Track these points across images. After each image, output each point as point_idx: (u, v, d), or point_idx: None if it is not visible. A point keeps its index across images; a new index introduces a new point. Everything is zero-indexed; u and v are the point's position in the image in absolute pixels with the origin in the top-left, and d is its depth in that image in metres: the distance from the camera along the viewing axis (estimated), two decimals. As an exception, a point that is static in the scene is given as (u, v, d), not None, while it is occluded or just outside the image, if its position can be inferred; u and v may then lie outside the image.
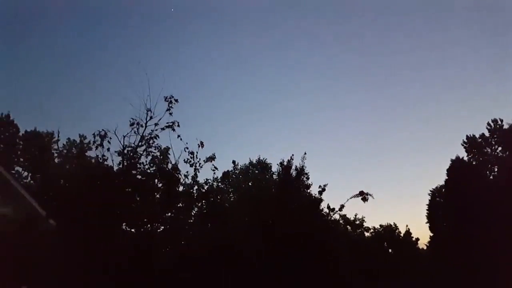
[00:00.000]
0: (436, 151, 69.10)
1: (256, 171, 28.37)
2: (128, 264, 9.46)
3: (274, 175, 25.51)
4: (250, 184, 24.25)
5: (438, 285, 31.48)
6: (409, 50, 69.27)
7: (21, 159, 28.81)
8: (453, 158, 33.99)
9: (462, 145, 37.71)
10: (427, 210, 36.88)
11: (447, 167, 33.57)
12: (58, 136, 11.14)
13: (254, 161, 30.57)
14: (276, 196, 18.14)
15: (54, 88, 61.14)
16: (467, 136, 37.93)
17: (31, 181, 26.40)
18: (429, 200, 37.15)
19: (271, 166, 28.51)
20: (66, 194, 10.54)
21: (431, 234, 36.36)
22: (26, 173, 27.86)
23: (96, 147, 10.55)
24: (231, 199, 19.65)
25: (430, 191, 37.71)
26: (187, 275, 10.14)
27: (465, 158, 35.57)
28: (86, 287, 8.88)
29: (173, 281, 9.96)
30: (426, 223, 36.72)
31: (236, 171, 27.51)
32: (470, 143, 37.32)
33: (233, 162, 29.04)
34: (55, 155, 28.30)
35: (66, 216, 10.81)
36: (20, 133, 29.60)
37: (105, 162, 10.67)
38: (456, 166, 33.22)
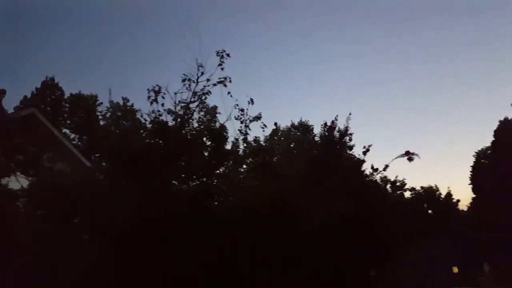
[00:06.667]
0: (484, 112, 65.89)
1: (298, 133, 28.21)
2: (185, 214, 9.74)
3: (316, 137, 25.22)
4: (292, 145, 24.16)
5: (478, 246, 31.13)
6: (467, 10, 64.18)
7: (68, 121, 29.91)
8: (501, 119, 33.03)
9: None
10: (471, 171, 36.05)
11: (495, 128, 32.81)
12: (110, 95, 11.33)
13: (296, 123, 30.39)
14: (318, 158, 17.90)
15: (101, 48, 61.80)
16: (517, 95, 36.11)
17: (79, 143, 27.53)
18: (474, 161, 36.27)
19: (313, 128, 28.19)
20: (118, 151, 10.76)
21: (474, 196, 35.70)
22: (73, 135, 29.02)
23: (151, 103, 10.69)
24: (275, 159, 19.72)
25: (476, 152, 36.77)
26: (243, 224, 10.34)
27: (514, 119, 33.98)
28: (146, 235, 9.25)
29: (228, 227, 10.24)
30: (469, 184, 36.14)
31: (278, 133, 27.38)
32: (520, 103, 35.36)
33: (275, 124, 28.87)
34: (100, 117, 29.22)
35: (119, 173, 11.13)
36: (65, 96, 30.55)
37: (160, 117, 10.86)
38: (504, 128, 32.31)
